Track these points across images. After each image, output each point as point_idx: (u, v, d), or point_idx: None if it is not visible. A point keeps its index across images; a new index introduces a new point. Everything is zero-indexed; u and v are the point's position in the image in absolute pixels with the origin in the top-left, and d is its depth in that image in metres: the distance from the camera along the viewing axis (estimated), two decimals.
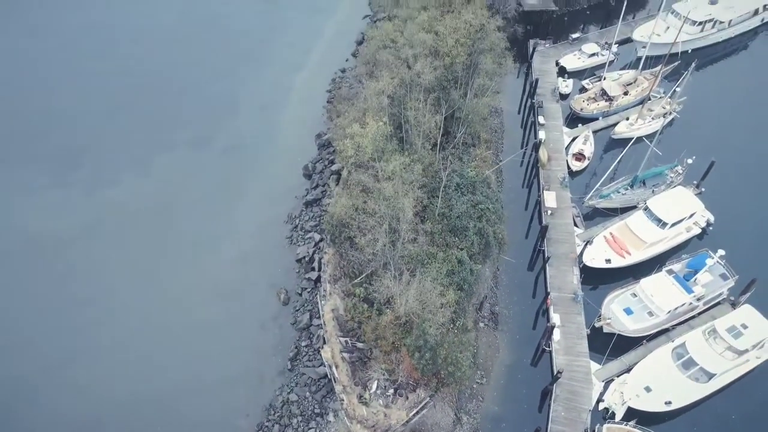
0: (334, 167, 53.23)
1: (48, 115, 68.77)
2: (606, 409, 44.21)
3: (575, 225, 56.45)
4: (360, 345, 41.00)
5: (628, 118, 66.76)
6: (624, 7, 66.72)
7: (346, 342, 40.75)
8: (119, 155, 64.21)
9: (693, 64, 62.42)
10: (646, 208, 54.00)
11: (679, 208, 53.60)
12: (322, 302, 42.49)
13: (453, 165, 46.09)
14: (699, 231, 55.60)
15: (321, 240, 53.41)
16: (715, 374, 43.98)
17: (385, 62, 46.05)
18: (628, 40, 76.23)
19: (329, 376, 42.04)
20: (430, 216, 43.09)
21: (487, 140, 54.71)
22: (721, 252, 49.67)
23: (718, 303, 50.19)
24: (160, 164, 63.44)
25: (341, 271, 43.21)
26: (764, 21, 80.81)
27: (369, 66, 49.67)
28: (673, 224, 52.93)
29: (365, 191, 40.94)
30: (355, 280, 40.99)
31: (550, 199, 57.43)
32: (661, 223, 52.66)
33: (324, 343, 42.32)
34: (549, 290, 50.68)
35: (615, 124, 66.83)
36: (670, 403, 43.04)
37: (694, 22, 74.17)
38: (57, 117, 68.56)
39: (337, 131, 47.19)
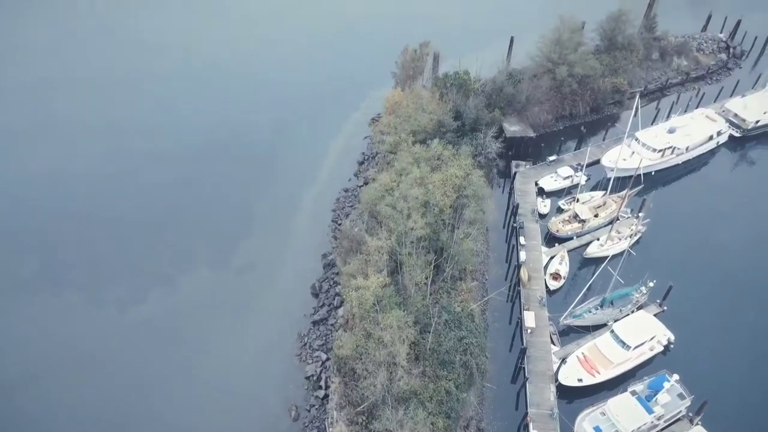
0: (339, 311, 61.05)
1: (80, 236, 76.73)
2: None
3: (552, 343, 63.78)
4: None
5: (599, 239, 75.52)
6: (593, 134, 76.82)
7: None
8: (146, 275, 71.89)
9: (655, 191, 71.84)
10: (613, 331, 61.58)
11: (642, 332, 61.26)
12: (330, 430, 49.07)
13: (442, 301, 53.98)
14: (661, 349, 62.96)
15: (327, 359, 60.47)
16: None
17: (384, 213, 54.74)
18: (598, 161, 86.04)
19: None
20: (422, 350, 50.55)
21: (473, 271, 62.83)
22: (676, 376, 56.79)
23: (678, 419, 56.85)
24: (182, 283, 71.12)
25: (346, 399, 50.06)
26: (719, 144, 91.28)
27: (370, 209, 58.31)
28: (637, 346, 60.36)
29: (367, 335, 48.48)
30: (358, 409, 47.87)
31: (529, 318, 64.94)
32: (626, 346, 60.11)
33: None
34: (529, 407, 57.38)
35: (588, 243, 75.53)
36: None
37: (655, 150, 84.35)
38: (87, 238, 76.53)
39: (342, 279, 55.37)
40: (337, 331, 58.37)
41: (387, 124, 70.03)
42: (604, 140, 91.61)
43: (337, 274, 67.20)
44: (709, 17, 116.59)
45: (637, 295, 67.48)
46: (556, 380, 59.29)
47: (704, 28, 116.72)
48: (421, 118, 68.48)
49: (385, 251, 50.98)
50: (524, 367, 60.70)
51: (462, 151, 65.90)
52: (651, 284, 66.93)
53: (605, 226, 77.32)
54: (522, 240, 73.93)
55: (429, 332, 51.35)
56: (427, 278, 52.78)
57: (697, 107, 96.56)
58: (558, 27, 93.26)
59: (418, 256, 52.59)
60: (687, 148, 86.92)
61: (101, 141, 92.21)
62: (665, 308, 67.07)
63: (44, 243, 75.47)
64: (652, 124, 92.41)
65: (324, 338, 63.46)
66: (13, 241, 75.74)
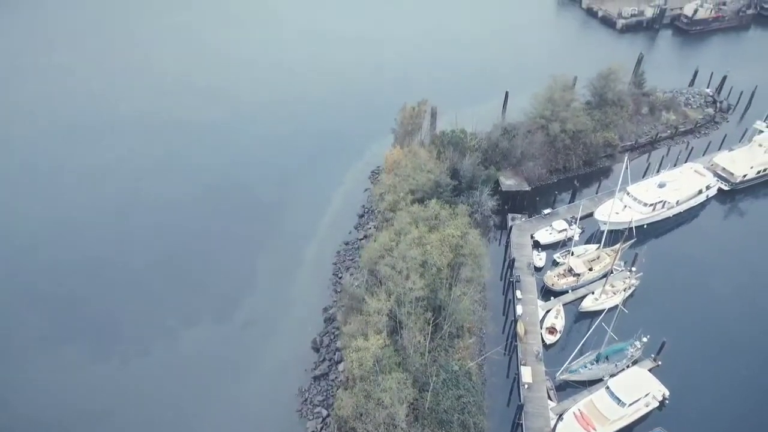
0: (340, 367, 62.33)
1: (81, 290, 78.16)
2: None
3: (549, 398, 64.79)
4: None
5: (593, 292, 77.28)
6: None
7: None
8: (148, 328, 73.11)
9: (647, 244, 73.95)
10: (608, 388, 62.72)
11: (637, 388, 62.39)
12: None
13: (440, 359, 55.43)
14: (657, 405, 63.99)
15: (328, 415, 61.36)
16: None
17: (384, 273, 56.79)
18: (591, 214, 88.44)
19: None
20: (421, 410, 51.69)
21: (471, 328, 64.40)
22: None
23: None
24: (184, 337, 72.24)
25: None
26: (708, 197, 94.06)
27: (370, 267, 60.37)
28: (632, 403, 61.41)
29: (367, 395, 49.74)
30: None
31: (526, 374, 66.11)
32: (621, 403, 61.16)
33: None
34: None
35: (583, 297, 77.26)
36: None
37: (646, 204, 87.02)
38: (88, 291, 77.93)
39: (343, 338, 57.03)
40: (338, 388, 59.47)
41: (386, 182, 72.66)
42: (597, 193, 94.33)
43: (338, 328, 68.65)
44: (696, 72, 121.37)
45: (632, 350, 68.77)
46: None
47: (691, 83, 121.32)
48: (419, 177, 71.28)
49: (384, 312, 52.72)
50: (522, 424, 61.55)
51: (459, 210, 68.39)
52: (645, 339, 68.38)
53: (599, 279, 79.17)
54: (518, 294, 75.66)
55: (428, 391, 52.58)
56: (425, 337, 54.36)
57: (686, 161, 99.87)
58: (550, 85, 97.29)
59: (417, 315, 54.31)
60: (677, 202, 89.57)
61: (99, 192, 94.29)
62: (660, 363, 68.33)
63: (45, 297, 76.84)
64: (643, 177, 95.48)
65: (325, 394, 64.42)
66: (14, 294, 77.23)
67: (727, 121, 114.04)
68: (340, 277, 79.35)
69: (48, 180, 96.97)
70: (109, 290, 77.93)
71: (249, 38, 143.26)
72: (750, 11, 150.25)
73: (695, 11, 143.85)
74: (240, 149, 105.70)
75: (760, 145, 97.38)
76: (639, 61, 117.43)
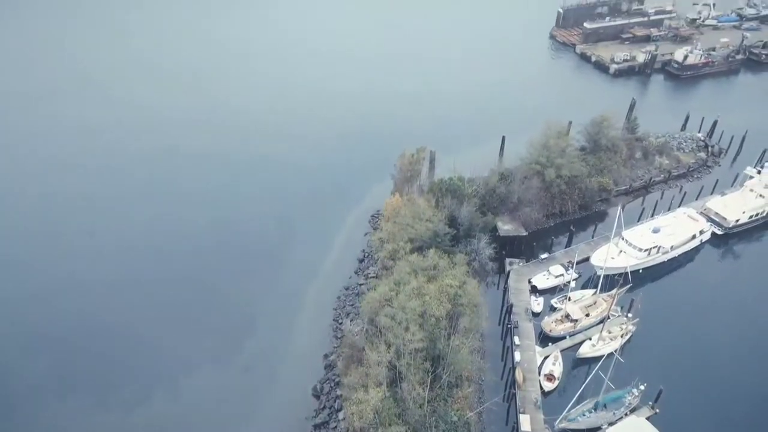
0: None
1: (83, 336, 78.78)
2: None
3: None
4: None
5: (591, 338, 78.13)
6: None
7: None
8: (150, 375, 73.71)
9: (643, 289, 75.14)
10: None
11: None
12: None
13: (439, 409, 56.06)
14: None
15: None
16: None
17: (384, 324, 57.96)
18: (588, 259, 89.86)
19: None
20: None
21: (469, 376, 65.15)
22: None
23: None
24: (185, 384, 72.77)
25: None
26: (702, 241, 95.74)
27: (370, 316, 61.56)
28: None
29: None
30: None
31: (525, 422, 66.51)
32: None
33: None
34: None
35: (581, 343, 78.07)
36: None
37: (641, 249, 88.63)
38: (91, 338, 78.61)
39: (344, 390, 57.84)
40: None
41: (386, 231, 74.39)
42: (593, 237, 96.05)
43: (339, 375, 69.27)
44: (687, 117, 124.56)
45: (630, 398, 69.31)
46: None
47: (683, 127, 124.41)
48: (418, 226, 73.09)
49: (384, 365, 53.68)
50: None
51: (457, 259, 69.95)
52: (642, 387, 69.01)
53: (596, 325, 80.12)
54: (516, 340, 76.50)
55: None
56: (424, 388, 55.15)
57: (679, 205, 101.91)
58: (546, 131, 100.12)
59: (416, 366, 55.21)
60: (672, 247, 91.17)
61: (103, 240, 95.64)
62: (657, 411, 68.78)
63: (49, 347, 77.47)
64: (638, 221, 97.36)
65: None
66: (18, 346, 77.98)
67: (719, 165, 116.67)
68: (341, 323, 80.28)
69: (51, 224, 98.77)
70: (109, 336, 78.54)
71: (249, 82, 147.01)
72: (739, 56, 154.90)
73: (685, 57, 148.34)
74: (241, 192, 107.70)
75: (752, 190, 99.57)
76: (632, 107, 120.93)
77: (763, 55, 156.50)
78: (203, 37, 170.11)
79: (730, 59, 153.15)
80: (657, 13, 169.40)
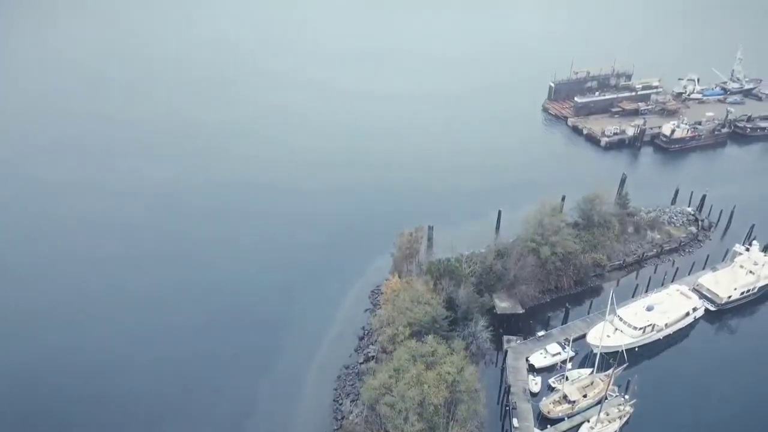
0: None
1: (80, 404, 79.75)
2: None
3: None
4: None
5: (589, 420, 78.76)
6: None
7: None
8: None
9: (639, 368, 76.29)
10: None
11: None
12: None
13: None
14: None
15: None
16: None
17: (384, 413, 59.21)
18: (584, 336, 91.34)
19: None
20: None
21: None
22: None
23: None
24: None
25: None
26: (696, 318, 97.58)
27: (370, 403, 62.77)
28: None
29: None
30: None
31: None
32: None
33: None
34: None
35: (579, 425, 78.67)
36: None
37: (636, 328, 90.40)
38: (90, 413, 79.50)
39: None
40: None
41: (386, 315, 76.54)
42: (588, 313, 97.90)
43: None
44: (677, 191, 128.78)
45: None
46: None
47: (673, 201, 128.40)
48: (417, 310, 75.24)
49: None
50: None
51: (455, 345, 71.72)
52: None
53: (594, 406, 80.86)
54: (515, 422, 77.11)
55: None
56: None
57: (672, 280, 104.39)
58: (540, 209, 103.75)
59: None
60: (666, 325, 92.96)
61: (101, 320, 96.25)
62: None
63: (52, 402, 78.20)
64: (632, 297, 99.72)
65: None
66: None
67: (710, 239, 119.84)
68: (341, 404, 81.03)
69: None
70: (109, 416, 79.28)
71: (250, 153, 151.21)
72: (724, 130, 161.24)
73: (673, 131, 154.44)
74: (242, 261, 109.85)
75: (742, 267, 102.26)
76: (622, 181, 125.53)
77: (748, 129, 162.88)
78: (197, 112, 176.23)
79: (716, 133, 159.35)
80: (644, 88, 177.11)
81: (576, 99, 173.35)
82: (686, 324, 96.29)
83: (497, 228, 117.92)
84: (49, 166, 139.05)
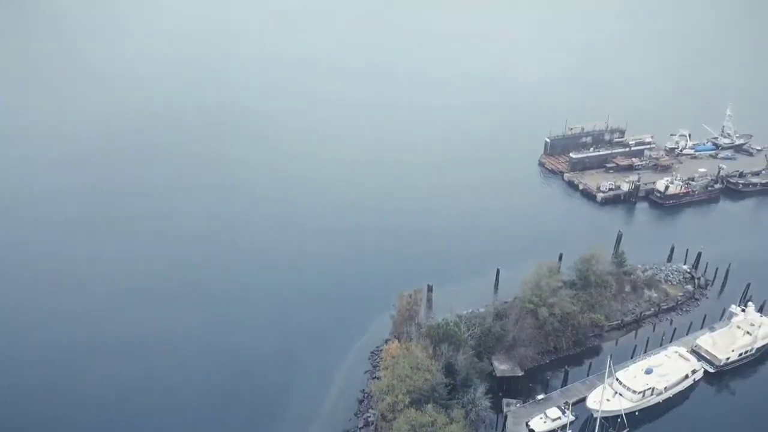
0: None
1: None
2: None
3: None
4: None
5: None
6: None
7: None
8: None
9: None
10: None
11: None
12: None
13: None
14: None
15: None
16: None
17: None
18: (584, 399, 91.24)
19: None
20: None
21: None
22: None
23: None
24: None
25: None
26: (695, 380, 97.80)
27: None
28: None
29: None
30: None
31: None
32: None
33: None
34: None
35: None
36: None
37: (635, 391, 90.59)
38: None
39: None
40: None
41: (385, 383, 77.09)
42: (588, 375, 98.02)
43: None
44: (672, 249, 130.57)
45: None
46: None
47: (669, 258, 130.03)
48: (416, 378, 75.83)
49: None
50: None
51: (455, 414, 72.01)
52: None
53: None
54: None
55: None
56: None
57: (671, 341, 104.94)
58: (537, 271, 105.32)
59: None
60: (665, 389, 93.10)
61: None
62: None
63: None
64: (631, 358, 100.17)
65: None
66: None
67: (706, 297, 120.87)
68: None
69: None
70: None
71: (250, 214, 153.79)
72: (718, 186, 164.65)
73: (667, 187, 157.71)
74: (241, 323, 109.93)
75: (739, 327, 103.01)
76: (618, 239, 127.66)
77: (740, 185, 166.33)
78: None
79: (709, 189, 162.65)
80: (637, 144, 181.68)
81: (571, 155, 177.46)
82: (686, 387, 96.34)
83: (496, 286, 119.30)
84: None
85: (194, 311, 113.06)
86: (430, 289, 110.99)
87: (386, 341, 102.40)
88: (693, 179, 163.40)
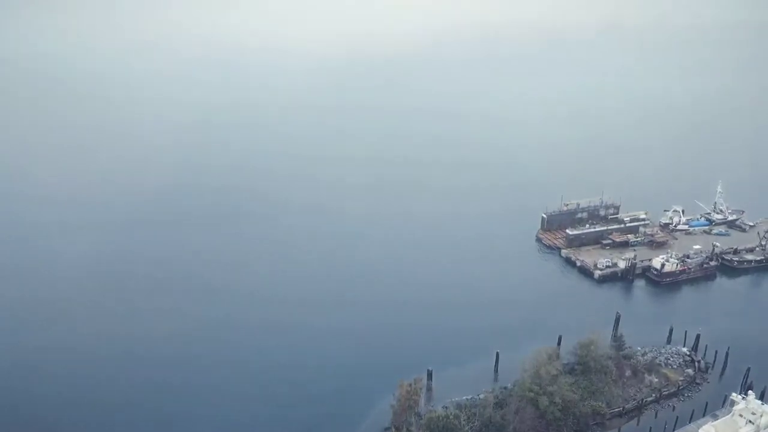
0: None
1: None
2: None
3: None
4: None
5: None
6: None
7: None
8: None
9: None
10: None
11: None
12: None
13: None
14: None
15: None
16: None
17: None
18: None
19: None
20: None
21: None
22: None
23: None
24: None
25: None
26: None
27: None
28: None
29: None
30: None
31: None
32: None
33: None
34: None
35: None
36: None
37: None
38: None
39: None
40: None
41: None
42: None
43: None
44: (671, 330, 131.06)
45: None
46: None
47: (668, 340, 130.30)
48: None
49: None
50: None
51: None
52: None
53: None
54: None
55: None
56: None
57: (674, 430, 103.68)
58: (536, 357, 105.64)
59: None
60: None
61: None
62: None
63: None
64: None
65: None
66: None
67: (707, 382, 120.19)
68: None
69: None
70: None
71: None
72: (713, 263, 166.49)
73: (663, 265, 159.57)
74: (237, 412, 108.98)
75: (741, 416, 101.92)
76: (617, 321, 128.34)
77: (735, 262, 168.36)
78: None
79: (704, 266, 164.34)
80: (632, 220, 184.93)
81: (568, 231, 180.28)
82: None
83: (496, 369, 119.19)
84: None
85: (185, 405, 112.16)
86: (429, 376, 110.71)
87: (385, 430, 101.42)
88: (689, 256, 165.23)
